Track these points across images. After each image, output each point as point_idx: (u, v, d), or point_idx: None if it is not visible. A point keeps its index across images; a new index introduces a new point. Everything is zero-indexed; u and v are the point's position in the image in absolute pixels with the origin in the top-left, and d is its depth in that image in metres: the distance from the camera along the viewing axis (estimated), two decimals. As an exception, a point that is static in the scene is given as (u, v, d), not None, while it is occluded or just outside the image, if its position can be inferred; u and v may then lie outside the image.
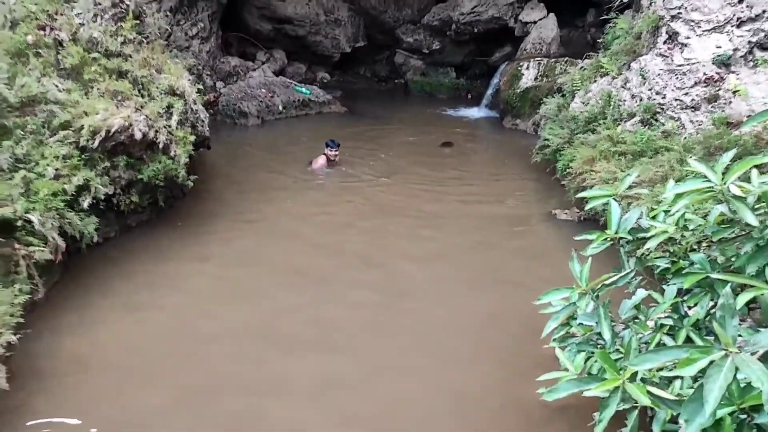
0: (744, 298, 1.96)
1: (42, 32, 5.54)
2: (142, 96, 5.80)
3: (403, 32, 14.56)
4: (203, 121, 6.65)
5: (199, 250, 5.51)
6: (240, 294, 4.79)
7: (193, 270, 5.14)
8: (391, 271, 5.31)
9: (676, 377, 2.20)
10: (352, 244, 5.82)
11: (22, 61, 5.24)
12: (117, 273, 4.96)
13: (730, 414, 1.80)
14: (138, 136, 5.26)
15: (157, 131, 5.54)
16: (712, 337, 2.37)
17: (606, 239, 2.81)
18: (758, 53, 6.53)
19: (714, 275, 2.34)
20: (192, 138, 5.99)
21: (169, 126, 5.75)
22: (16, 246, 4.12)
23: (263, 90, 11.30)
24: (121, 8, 6.35)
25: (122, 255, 5.28)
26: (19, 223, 4.20)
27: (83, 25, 5.94)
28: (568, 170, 6.79)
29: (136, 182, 5.48)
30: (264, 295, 4.81)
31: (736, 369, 1.58)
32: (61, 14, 5.83)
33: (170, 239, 5.67)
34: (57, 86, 5.18)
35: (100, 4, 6.22)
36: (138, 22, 6.41)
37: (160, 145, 5.52)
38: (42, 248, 4.22)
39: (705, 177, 2.22)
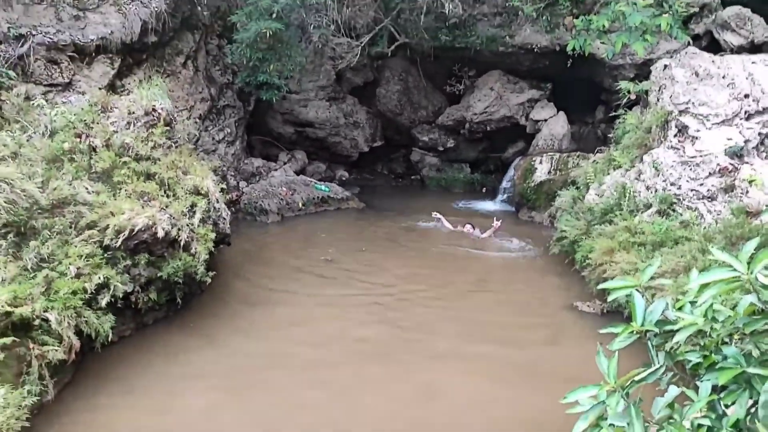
0: (786, 394, 1.83)
1: (78, 139, 5.89)
2: (168, 196, 6.01)
3: (418, 132, 15.15)
4: (225, 218, 6.82)
5: (204, 359, 5.29)
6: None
7: (196, 389, 4.80)
8: (414, 372, 5.13)
9: (722, 486, 2.00)
10: (366, 358, 5.44)
11: (57, 166, 5.54)
12: (130, 374, 4.87)
13: None
14: (161, 234, 5.39)
15: (179, 229, 5.68)
16: (756, 439, 2.19)
17: (632, 332, 2.69)
18: (769, 144, 6.61)
19: (751, 370, 2.20)
20: (213, 235, 6.11)
21: (192, 224, 5.90)
22: (31, 346, 4.12)
23: (284, 188, 11.65)
24: (154, 116, 6.76)
25: (137, 355, 5.20)
26: (36, 322, 4.22)
27: (117, 132, 6.32)
28: (587, 261, 6.70)
29: (155, 279, 5.53)
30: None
31: (786, 475, 1.44)
32: (98, 123, 6.23)
33: (182, 343, 5.55)
34: (87, 188, 5.42)
35: (134, 113, 6.64)
36: (168, 128, 6.79)
37: (182, 243, 5.63)
38: (56, 348, 4.20)
39: (730, 266, 2.15)
